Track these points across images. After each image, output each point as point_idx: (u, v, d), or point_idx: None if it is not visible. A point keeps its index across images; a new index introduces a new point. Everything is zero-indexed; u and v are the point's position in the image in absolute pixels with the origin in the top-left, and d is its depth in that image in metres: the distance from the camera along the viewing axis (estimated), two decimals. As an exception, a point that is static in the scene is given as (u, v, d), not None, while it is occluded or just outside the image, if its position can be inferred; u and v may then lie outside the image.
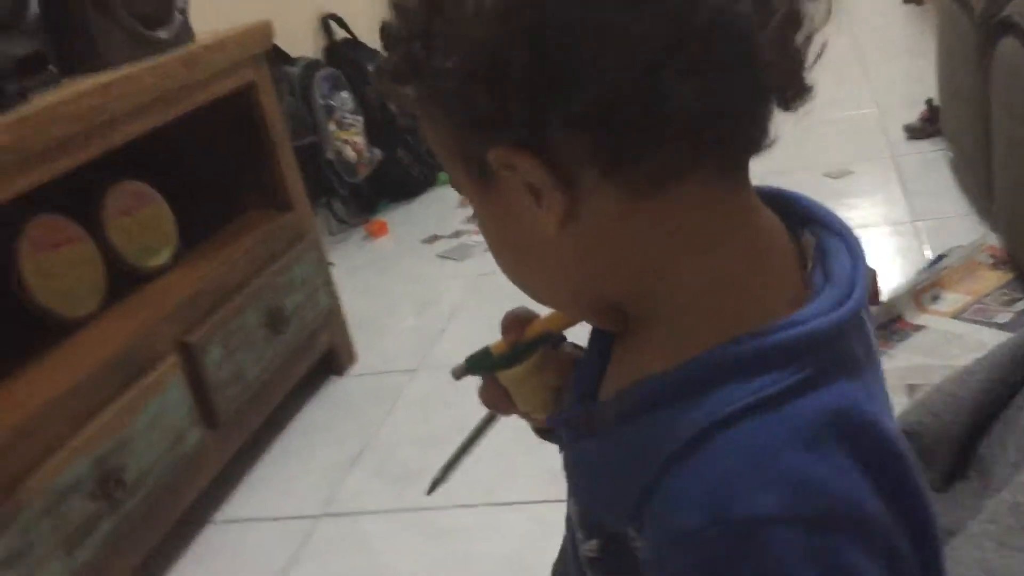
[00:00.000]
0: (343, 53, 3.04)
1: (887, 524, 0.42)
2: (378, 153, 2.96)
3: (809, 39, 0.44)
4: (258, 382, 1.68)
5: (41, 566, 1.20)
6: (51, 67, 1.52)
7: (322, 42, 3.08)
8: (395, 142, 3.07)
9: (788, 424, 0.42)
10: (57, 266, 1.50)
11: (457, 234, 2.73)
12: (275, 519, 1.59)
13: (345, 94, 2.83)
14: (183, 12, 1.71)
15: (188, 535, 1.58)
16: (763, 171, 0.50)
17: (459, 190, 0.51)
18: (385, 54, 0.48)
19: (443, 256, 2.60)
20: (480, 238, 2.56)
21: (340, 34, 3.12)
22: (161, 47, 1.64)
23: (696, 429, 0.42)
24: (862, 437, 0.43)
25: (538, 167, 0.44)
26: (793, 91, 0.45)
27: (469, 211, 2.89)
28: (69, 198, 1.56)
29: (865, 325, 0.47)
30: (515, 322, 0.61)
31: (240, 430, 1.66)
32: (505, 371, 0.60)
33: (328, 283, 1.96)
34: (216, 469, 1.59)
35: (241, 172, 1.89)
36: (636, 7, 0.41)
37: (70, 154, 1.34)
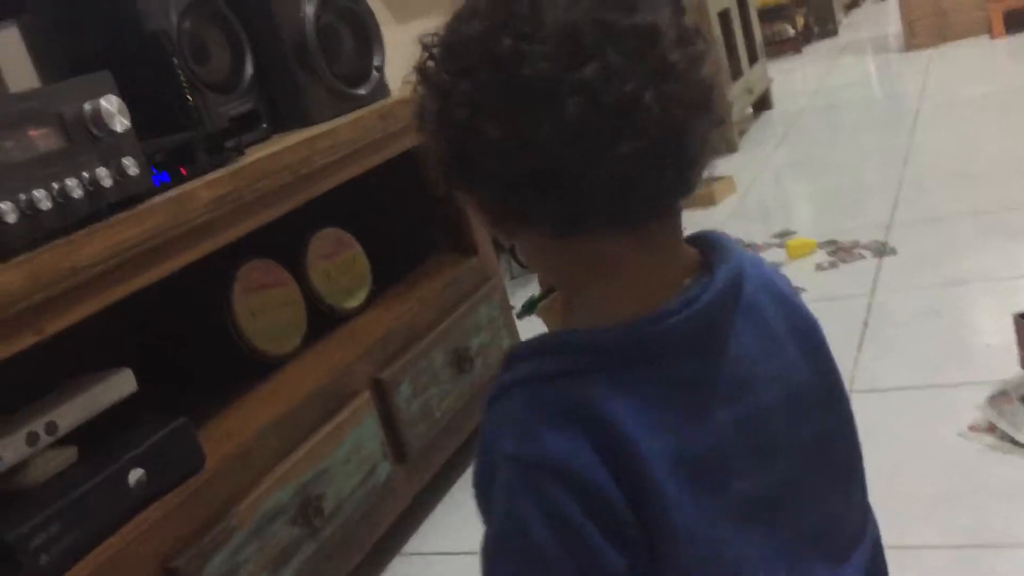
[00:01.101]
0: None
1: (605, 491, 0.55)
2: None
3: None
4: (444, 419, 1.75)
5: (248, 586, 1.29)
6: (264, 124, 1.66)
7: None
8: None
9: (535, 399, 0.58)
10: (265, 307, 1.62)
11: (636, 278, 2.74)
12: (458, 554, 1.64)
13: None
14: (379, 70, 1.82)
15: (378, 565, 1.65)
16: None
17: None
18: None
19: (622, 300, 2.61)
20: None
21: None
22: (360, 103, 1.76)
23: (502, 385, 0.60)
24: (597, 428, 0.55)
25: (486, 220, 0.62)
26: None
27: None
28: (276, 243, 1.68)
29: (713, 352, 0.59)
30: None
31: (428, 465, 1.73)
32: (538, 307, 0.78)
33: (510, 324, 2.02)
34: (405, 502, 1.66)
35: (430, 218, 1.98)
36: (505, 156, 0.56)
37: (279, 203, 1.45)
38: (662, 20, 0.55)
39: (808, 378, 0.65)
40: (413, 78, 0.62)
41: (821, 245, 2.56)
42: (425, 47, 0.60)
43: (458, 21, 0.59)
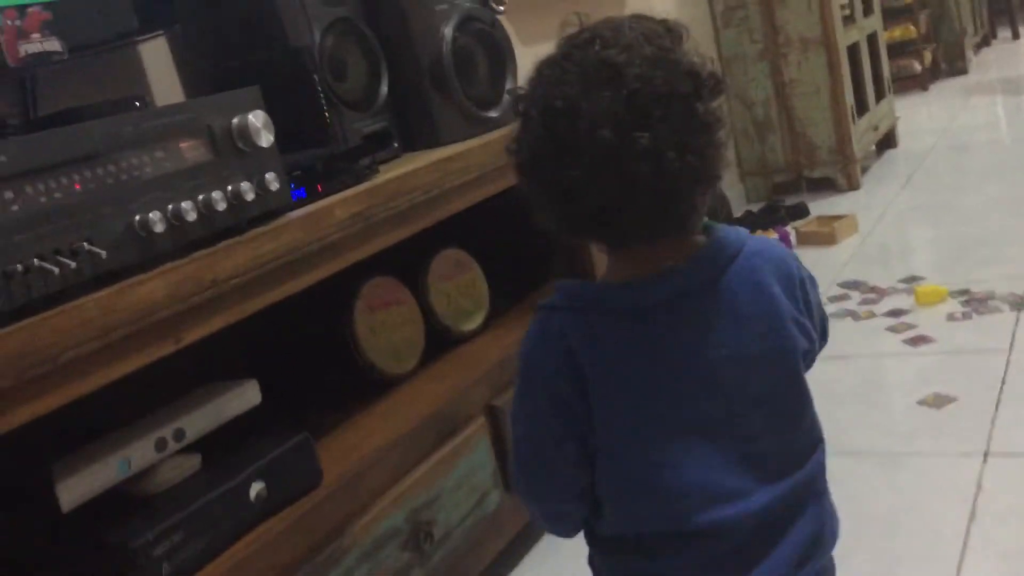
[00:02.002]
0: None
1: (555, 380, 0.83)
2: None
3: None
4: (555, 451, 1.71)
5: (356, 607, 1.28)
6: (395, 143, 1.66)
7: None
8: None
9: (537, 318, 0.86)
10: (384, 325, 1.62)
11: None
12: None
13: (645, 171, 2.87)
14: (511, 93, 1.81)
15: (481, 595, 1.62)
16: None
17: None
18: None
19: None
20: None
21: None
22: (490, 125, 1.75)
23: (539, 306, 0.87)
24: (559, 342, 0.83)
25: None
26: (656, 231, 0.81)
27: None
28: (398, 261, 1.68)
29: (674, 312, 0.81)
30: None
31: (536, 496, 1.69)
32: None
33: (625, 358, 1.98)
34: (512, 533, 1.63)
35: (549, 244, 1.95)
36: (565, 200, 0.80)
37: (410, 223, 1.45)
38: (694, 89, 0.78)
39: (758, 352, 0.82)
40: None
41: (952, 294, 2.44)
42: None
43: (541, 66, 0.84)
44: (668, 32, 0.80)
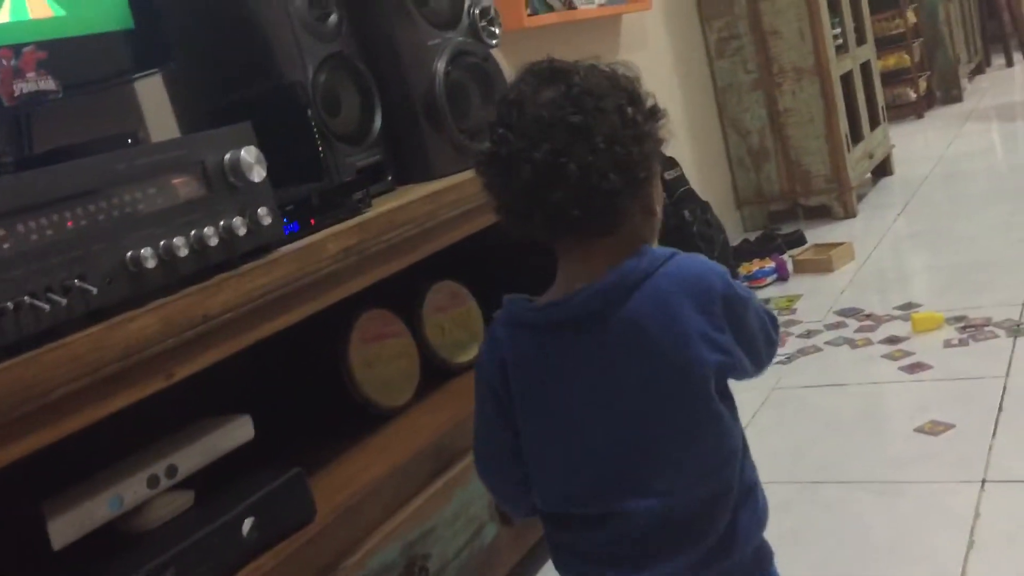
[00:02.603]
0: (640, 161, 3.11)
1: (492, 383, 0.99)
2: (670, 259, 2.98)
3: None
4: (552, 482, 1.71)
5: (351, 643, 1.27)
6: (389, 177, 1.67)
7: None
8: (688, 249, 3.06)
9: (487, 329, 1.02)
10: (380, 357, 1.62)
11: (748, 344, 2.67)
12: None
13: (641, 201, 2.88)
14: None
15: (478, 629, 1.61)
16: None
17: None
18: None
19: (733, 366, 2.54)
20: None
21: (637, 143, 3.19)
22: (483, 158, 1.76)
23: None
24: (496, 351, 0.98)
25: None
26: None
27: (761, 321, 2.82)
28: (392, 293, 1.68)
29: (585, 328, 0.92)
30: None
31: (533, 530, 1.68)
32: None
33: (621, 388, 1.97)
34: (509, 566, 1.62)
35: (543, 274, 1.95)
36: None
37: (403, 256, 1.45)
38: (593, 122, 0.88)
39: (660, 367, 0.89)
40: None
41: (949, 321, 2.44)
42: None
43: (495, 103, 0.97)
44: (621, 73, 0.93)
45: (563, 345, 0.93)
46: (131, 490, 1.15)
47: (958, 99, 6.37)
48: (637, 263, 0.90)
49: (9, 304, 0.94)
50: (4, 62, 1.22)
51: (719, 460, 0.93)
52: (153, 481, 1.17)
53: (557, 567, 1.01)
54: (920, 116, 5.99)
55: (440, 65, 1.71)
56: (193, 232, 1.14)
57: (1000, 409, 1.94)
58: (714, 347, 0.90)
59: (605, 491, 0.93)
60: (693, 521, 0.92)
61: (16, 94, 1.26)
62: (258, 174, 1.22)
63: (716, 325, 0.90)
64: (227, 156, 1.20)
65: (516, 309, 0.97)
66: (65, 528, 1.08)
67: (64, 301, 0.99)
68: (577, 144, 0.86)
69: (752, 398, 2.28)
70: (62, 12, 1.34)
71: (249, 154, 1.21)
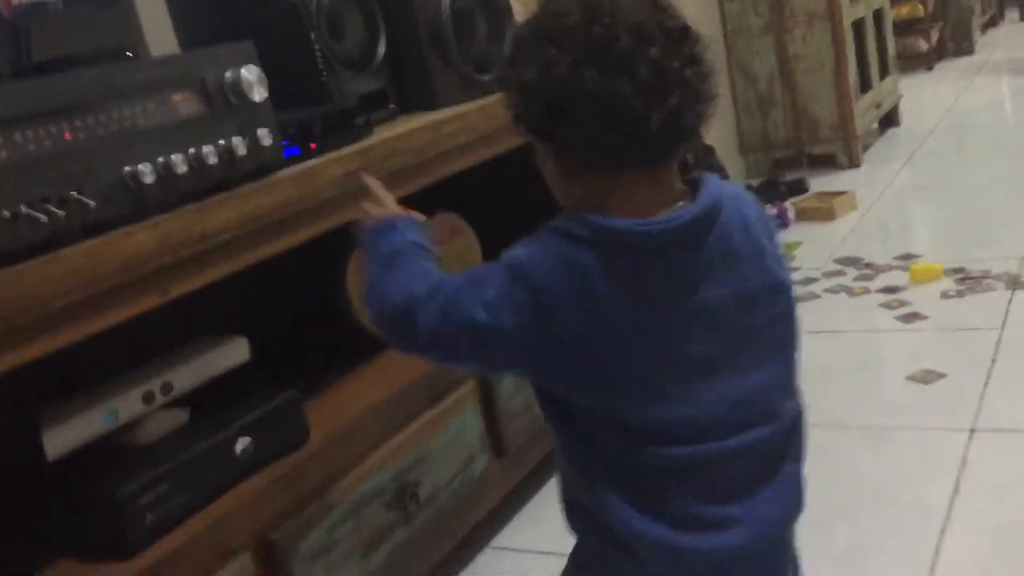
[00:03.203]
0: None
1: (563, 310, 0.82)
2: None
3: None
4: (545, 416, 1.72)
5: (340, 565, 1.29)
6: (392, 104, 1.65)
7: (692, 48, 3.13)
8: (689, 192, 3.06)
9: (551, 242, 0.83)
10: (377, 287, 1.62)
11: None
12: (546, 553, 1.61)
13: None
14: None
15: (466, 557, 1.63)
16: None
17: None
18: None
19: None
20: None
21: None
22: (487, 89, 1.74)
23: (547, 227, 0.84)
24: (576, 274, 0.81)
25: (552, 154, 0.86)
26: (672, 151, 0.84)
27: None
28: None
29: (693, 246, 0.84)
30: None
31: (524, 461, 1.70)
32: None
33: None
34: (498, 497, 1.64)
35: (545, 209, 1.94)
36: (598, 114, 0.80)
37: (404, 184, 1.44)
38: (689, 26, 0.85)
39: (756, 286, 0.87)
40: (511, 50, 0.86)
41: (947, 272, 2.44)
42: (525, 31, 0.85)
43: (553, 16, 0.83)
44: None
45: (667, 267, 0.83)
46: (126, 405, 1.16)
47: (969, 52, 6.30)
48: (716, 184, 0.87)
49: (6, 213, 0.94)
50: (3, -30, 1.20)
51: (796, 390, 0.92)
52: (148, 397, 1.18)
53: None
54: (930, 68, 5.92)
55: (447, -8, 1.68)
56: (192, 150, 1.13)
57: (993, 360, 1.94)
58: (783, 267, 0.91)
59: (747, 413, 0.85)
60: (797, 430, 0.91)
61: (15, 3, 1.23)
62: (259, 94, 1.21)
63: (776, 247, 0.91)
64: (228, 74, 1.18)
65: (617, 227, 0.82)
66: (60, 439, 1.09)
67: (62, 213, 0.98)
68: (682, 47, 0.82)
69: (747, 342, 2.29)
70: (62, -79, 1.31)
71: (250, 73, 1.20)
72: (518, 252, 0.84)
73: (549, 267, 0.82)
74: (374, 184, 1.11)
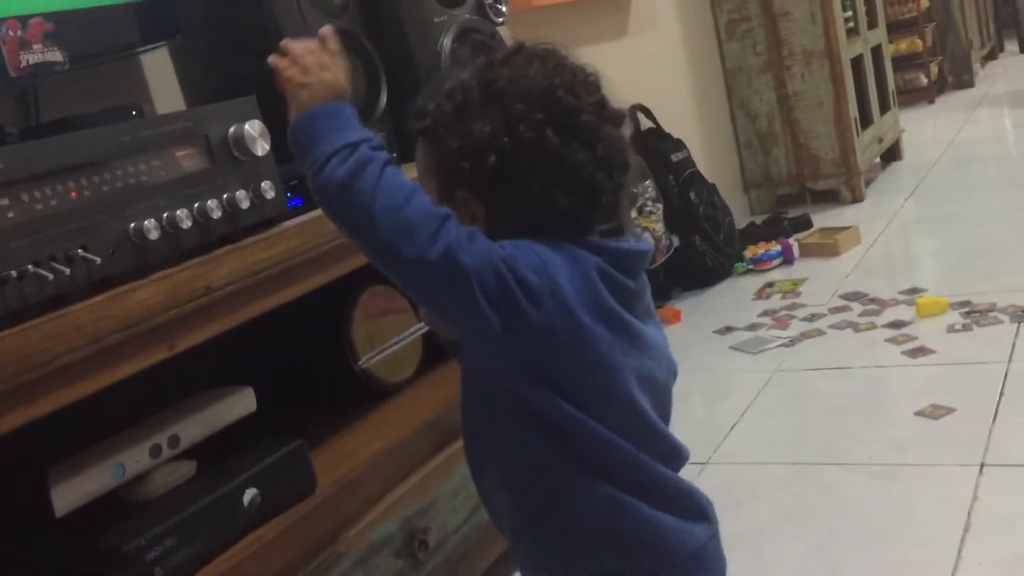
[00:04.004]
0: (647, 142, 3.11)
1: (590, 281, 0.86)
2: (676, 240, 2.98)
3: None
4: (552, 460, 1.72)
5: (350, 614, 1.28)
6: (394, 154, 1.67)
7: (628, 131, 3.16)
8: (693, 230, 3.07)
9: (557, 248, 0.85)
10: (382, 333, 1.63)
11: (752, 327, 2.67)
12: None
13: (648, 183, 2.88)
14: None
15: (477, 603, 1.62)
16: None
17: (425, 188, 0.86)
18: (425, 102, 0.89)
19: (736, 348, 2.55)
20: (778, 332, 2.50)
21: (645, 124, 3.19)
22: (488, 136, 1.76)
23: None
24: (588, 267, 0.85)
25: (479, 207, 0.86)
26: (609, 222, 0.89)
27: (766, 304, 2.82)
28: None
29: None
30: None
31: (532, 505, 1.70)
32: None
33: (623, 368, 1.98)
34: (507, 542, 1.63)
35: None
36: (553, 182, 0.84)
37: (406, 232, 1.46)
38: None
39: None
40: (457, 98, 0.86)
41: (953, 306, 2.44)
42: (477, 82, 0.86)
43: (514, 73, 0.85)
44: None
45: (638, 290, 0.89)
46: (134, 459, 1.16)
47: (970, 84, 6.34)
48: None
49: (13, 272, 0.95)
50: (11, 33, 1.22)
51: None
52: (156, 450, 1.18)
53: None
54: (931, 101, 5.96)
55: (446, 42, 1.70)
56: (196, 204, 1.15)
57: (1001, 394, 1.94)
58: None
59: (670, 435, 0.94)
60: None
61: (23, 65, 1.26)
62: (262, 148, 1.23)
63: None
64: (231, 129, 1.21)
65: (626, 248, 0.87)
66: (68, 495, 1.09)
67: (68, 271, 1.00)
68: (624, 129, 0.91)
69: (755, 380, 2.29)
70: (69, -16, 1.34)
71: (253, 128, 1.22)
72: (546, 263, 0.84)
73: (575, 283, 0.84)
74: (297, 47, 0.93)
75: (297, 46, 0.92)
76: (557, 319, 0.82)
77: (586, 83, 0.87)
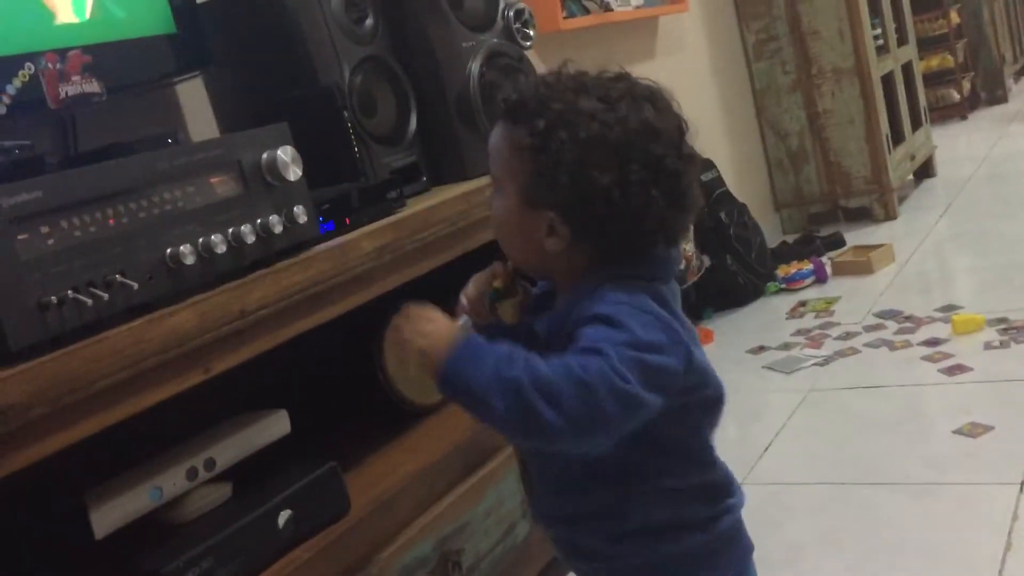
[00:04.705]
0: (676, 163, 3.11)
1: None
2: (707, 260, 2.97)
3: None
4: (585, 481, 1.71)
5: (384, 636, 1.29)
6: (424, 177, 1.69)
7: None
8: (724, 250, 3.06)
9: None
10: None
11: (785, 346, 2.65)
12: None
13: (677, 202, 2.88)
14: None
15: (511, 625, 1.62)
16: None
17: (499, 192, 0.96)
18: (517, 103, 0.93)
19: (769, 368, 2.53)
20: (811, 351, 2.48)
21: (674, 145, 3.19)
22: (517, 158, 1.77)
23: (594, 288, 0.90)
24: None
25: (567, 231, 0.90)
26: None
27: (799, 323, 2.80)
28: (427, 293, 1.70)
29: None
30: (501, 269, 1.02)
31: (566, 527, 1.69)
32: (506, 299, 1.00)
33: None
34: (542, 563, 1.63)
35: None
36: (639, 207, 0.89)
37: (437, 254, 1.47)
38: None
39: None
40: (581, 128, 0.88)
41: (990, 323, 2.41)
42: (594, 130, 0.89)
43: (638, 113, 0.90)
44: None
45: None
46: (171, 482, 1.18)
47: (1003, 100, 6.28)
48: None
49: (53, 299, 0.97)
50: (50, 66, 1.25)
51: None
52: (192, 473, 1.20)
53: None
54: (964, 117, 5.91)
55: (474, 66, 1.72)
56: (231, 230, 1.16)
57: (1041, 411, 1.91)
58: None
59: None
60: None
61: (62, 97, 1.29)
62: (294, 173, 1.25)
63: None
64: (264, 155, 1.22)
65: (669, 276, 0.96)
66: (107, 518, 1.11)
67: (106, 296, 1.02)
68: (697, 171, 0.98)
69: (789, 399, 2.27)
70: (108, 16, 1.38)
71: (285, 153, 1.24)
72: (625, 299, 0.88)
73: (655, 303, 0.90)
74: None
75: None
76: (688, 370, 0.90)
77: (682, 131, 0.92)
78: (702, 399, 0.94)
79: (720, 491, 0.97)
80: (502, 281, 1.00)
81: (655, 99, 0.92)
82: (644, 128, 0.89)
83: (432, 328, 0.89)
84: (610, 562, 0.96)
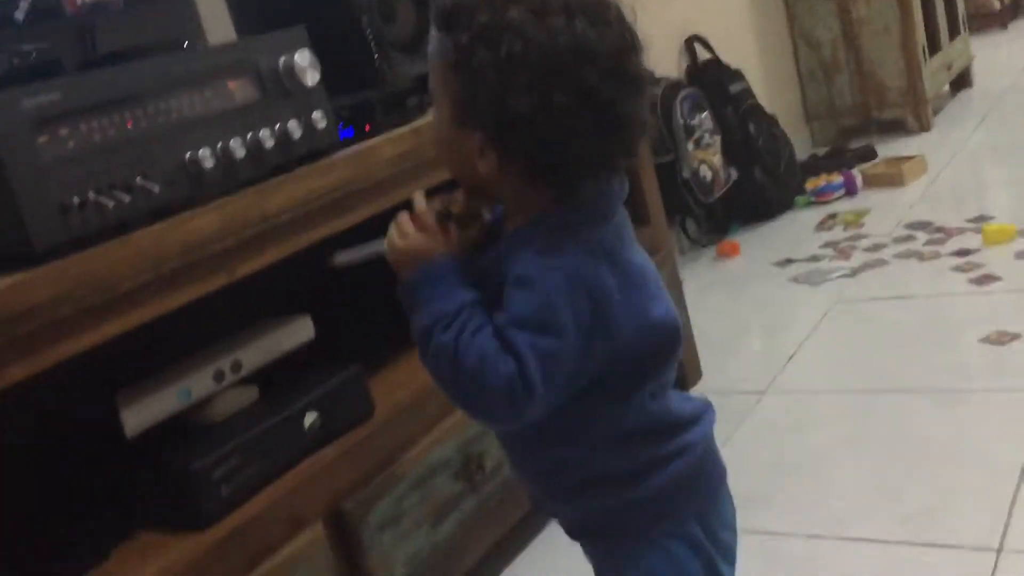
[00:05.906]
0: (705, 74, 3.05)
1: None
2: (734, 173, 2.94)
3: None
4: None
5: (409, 534, 1.32)
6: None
7: (685, 63, 3.11)
8: (752, 162, 3.02)
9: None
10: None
11: (813, 258, 2.63)
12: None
13: (705, 114, 2.84)
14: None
15: (535, 526, 1.65)
16: None
17: (436, 109, 0.88)
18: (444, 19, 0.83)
19: (795, 280, 2.52)
20: (839, 263, 2.46)
21: (703, 55, 3.13)
22: (540, 65, 1.75)
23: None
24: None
25: (494, 155, 0.83)
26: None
27: (828, 236, 2.78)
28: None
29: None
30: (462, 197, 0.93)
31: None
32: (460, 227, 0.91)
33: (679, 299, 1.97)
34: (565, 468, 1.65)
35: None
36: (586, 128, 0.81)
37: (458, 162, 1.46)
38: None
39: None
40: (502, 42, 0.78)
41: (1021, 232, 2.37)
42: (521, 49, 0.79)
43: (571, 29, 0.79)
44: None
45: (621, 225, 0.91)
46: (199, 383, 1.20)
47: (1047, 8, 6.06)
48: None
49: (76, 200, 0.98)
50: (67, -28, 1.25)
51: None
52: (219, 375, 1.22)
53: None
54: (1004, 26, 5.72)
55: (495, -29, 1.69)
56: (249, 135, 1.16)
57: (1071, 319, 1.89)
58: None
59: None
60: None
61: (78, 4, 1.29)
62: (312, 78, 1.24)
63: None
64: (281, 60, 1.22)
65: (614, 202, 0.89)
66: (137, 417, 1.14)
67: (127, 198, 1.03)
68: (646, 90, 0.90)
69: (815, 310, 2.26)
70: (120, -79, 1.36)
71: (303, 58, 1.23)
72: (556, 264, 0.82)
73: (591, 263, 0.83)
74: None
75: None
76: (609, 348, 0.84)
77: (623, 50, 0.82)
78: (644, 352, 0.87)
79: (674, 428, 0.92)
80: (460, 207, 0.93)
81: (597, 11, 0.80)
82: (574, 46, 0.78)
83: (414, 236, 0.91)
84: (575, 511, 0.95)
